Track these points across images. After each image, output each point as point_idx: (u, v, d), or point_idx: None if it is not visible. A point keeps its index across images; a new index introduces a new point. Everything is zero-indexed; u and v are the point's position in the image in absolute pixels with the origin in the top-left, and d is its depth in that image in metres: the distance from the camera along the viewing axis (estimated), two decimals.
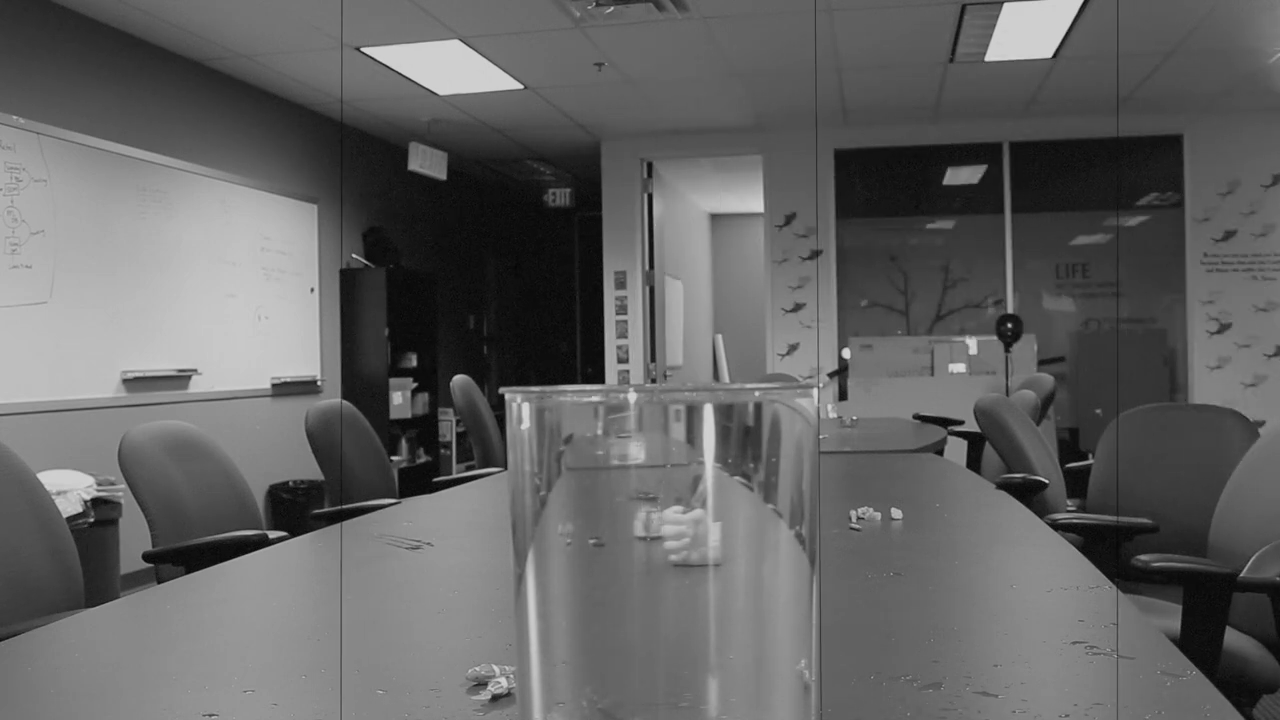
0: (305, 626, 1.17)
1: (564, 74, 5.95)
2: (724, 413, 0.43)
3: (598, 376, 8.88)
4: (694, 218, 10.83)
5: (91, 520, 3.91)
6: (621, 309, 7.84)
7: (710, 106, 6.83)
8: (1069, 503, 3.05)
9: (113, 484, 4.04)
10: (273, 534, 2.08)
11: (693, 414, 0.43)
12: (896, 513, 1.73)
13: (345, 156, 7.20)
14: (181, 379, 5.36)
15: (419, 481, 6.85)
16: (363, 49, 5.41)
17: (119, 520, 4.09)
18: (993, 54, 5.64)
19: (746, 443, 0.44)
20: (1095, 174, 7.26)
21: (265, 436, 5.97)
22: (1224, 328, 7.07)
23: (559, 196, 8.73)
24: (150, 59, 5.25)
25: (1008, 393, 5.70)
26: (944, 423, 4.82)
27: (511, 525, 0.47)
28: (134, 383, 5.01)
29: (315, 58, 5.59)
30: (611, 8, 4.76)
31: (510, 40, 5.29)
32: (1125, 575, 1.94)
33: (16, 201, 4.33)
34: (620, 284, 7.83)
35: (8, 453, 1.80)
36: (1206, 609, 1.72)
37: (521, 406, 0.46)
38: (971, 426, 3.55)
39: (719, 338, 11.18)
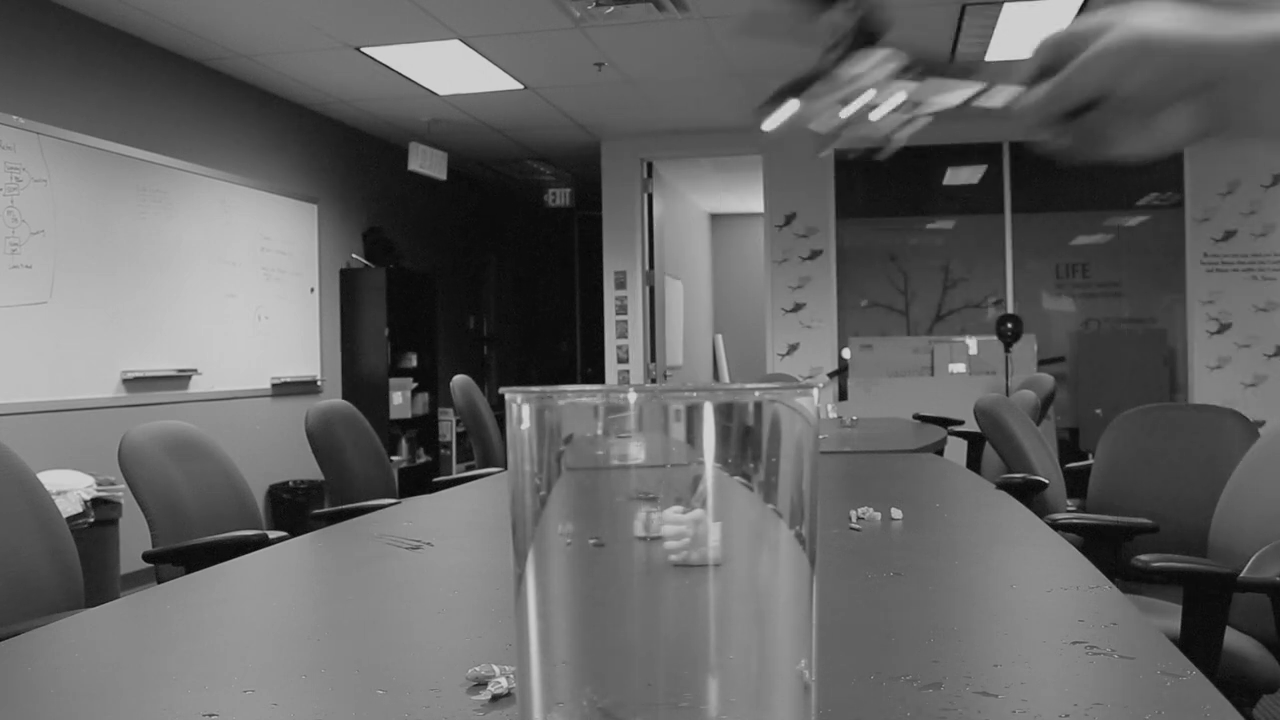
0: (305, 626, 1.17)
1: (564, 74, 5.95)
2: (724, 413, 0.43)
3: (598, 376, 8.88)
4: (694, 218, 10.82)
5: (91, 520, 3.91)
6: (621, 309, 7.84)
7: (710, 106, 6.83)
8: (1069, 503, 3.05)
9: (113, 484, 4.04)
10: (273, 534, 2.08)
11: (693, 414, 0.43)
12: (896, 513, 1.73)
13: (345, 157, 7.21)
14: (181, 379, 5.36)
15: (419, 481, 6.85)
16: (363, 49, 5.41)
17: (119, 520, 4.09)
18: (993, 54, 5.64)
19: (746, 443, 0.44)
20: (1095, 174, 7.26)
21: (265, 436, 5.97)
22: (1224, 328, 7.07)
23: (559, 196, 8.73)
24: (150, 59, 5.25)
25: (1008, 393, 5.70)
26: (944, 423, 4.82)
27: (511, 525, 0.47)
28: (134, 383, 5.01)
29: (315, 58, 5.59)
30: (611, 8, 4.76)
31: (510, 40, 5.29)
32: (1125, 575, 1.94)
33: (16, 201, 4.33)
34: (620, 284, 7.83)
35: (8, 453, 1.80)
36: (1206, 609, 1.72)
37: (521, 407, 0.46)
38: (971, 426, 3.55)
39: (719, 338, 11.18)
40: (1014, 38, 5.35)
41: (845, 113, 0.67)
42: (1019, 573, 1.40)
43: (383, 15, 4.88)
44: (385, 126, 7.22)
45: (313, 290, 6.68)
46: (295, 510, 6.01)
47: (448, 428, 8.03)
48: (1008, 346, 6.58)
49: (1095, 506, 2.79)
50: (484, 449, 4.51)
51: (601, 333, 7.94)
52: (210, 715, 0.81)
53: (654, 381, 7.87)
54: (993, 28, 5.18)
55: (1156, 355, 7.07)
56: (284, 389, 6.27)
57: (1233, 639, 1.82)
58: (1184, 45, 0.61)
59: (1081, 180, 7.30)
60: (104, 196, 4.83)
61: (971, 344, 7.13)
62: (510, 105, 6.61)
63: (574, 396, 0.45)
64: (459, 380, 4.52)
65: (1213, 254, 7.10)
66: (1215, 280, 7.08)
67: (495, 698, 0.83)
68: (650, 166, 7.96)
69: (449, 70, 5.79)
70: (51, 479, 3.71)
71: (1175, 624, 1.77)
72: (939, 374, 7.11)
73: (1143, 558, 1.79)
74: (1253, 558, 1.72)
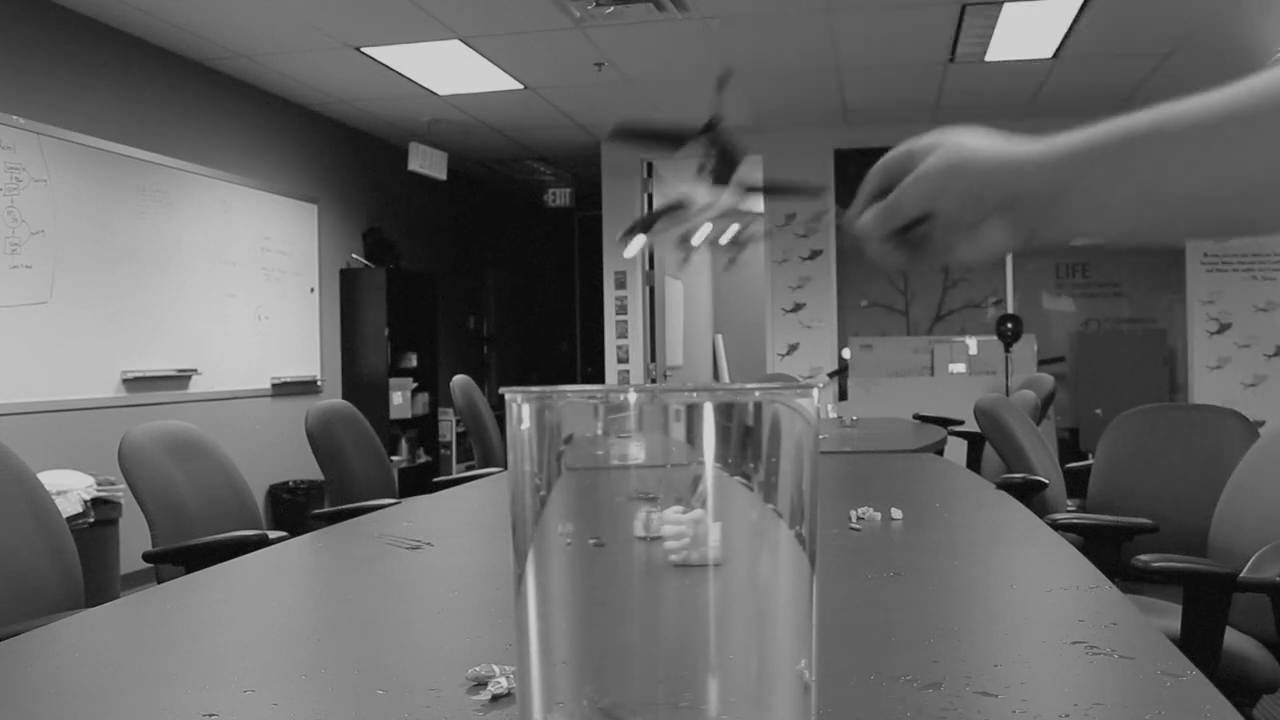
0: (305, 626, 1.17)
1: (564, 74, 5.95)
2: (724, 413, 0.43)
3: (598, 376, 8.88)
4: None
5: (91, 520, 3.91)
6: (621, 309, 7.84)
7: (710, 106, 6.82)
8: (1069, 503, 3.05)
9: (113, 484, 4.04)
10: (273, 534, 2.08)
11: (693, 414, 0.43)
12: (896, 513, 1.73)
13: (345, 157, 7.20)
14: (181, 379, 5.36)
15: (419, 481, 6.85)
16: (363, 49, 5.41)
17: (119, 520, 4.09)
18: (993, 54, 5.64)
19: (746, 443, 0.44)
20: None
21: (265, 436, 5.97)
22: (1224, 328, 7.07)
23: (559, 196, 8.73)
24: (150, 59, 5.25)
25: (1008, 393, 5.70)
26: (944, 423, 4.82)
27: (511, 525, 0.47)
28: (134, 383, 5.01)
29: (315, 58, 5.59)
30: (611, 8, 4.76)
31: (510, 40, 5.29)
32: (1125, 575, 1.93)
33: (16, 201, 4.33)
34: (620, 284, 7.83)
35: (8, 453, 1.80)
36: (1206, 609, 1.72)
37: (521, 406, 0.46)
38: (971, 426, 3.55)
39: (719, 338, 11.18)
40: (1014, 38, 5.35)
41: (696, 239, 0.73)
42: (1019, 573, 1.40)
43: (383, 15, 4.88)
44: (385, 126, 7.22)
45: (313, 290, 6.68)
46: (295, 510, 6.01)
47: (448, 428, 8.03)
48: (1008, 346, 6.58)
49: (1095, 506, 2.79)
50: (484, 449, 4.51)
51: (601, 333, 7.94)
52: (210, 715, 0.81)
53: (654, 381, 7.87)
54: (993, 28, 5.18)
55: (1156, 355, 7.07)
56: (284, 389, 6.27)
57: (1233, 639, 1.81)
58: (990, 166, 0.68)
59: None
60: (104, 196, 4.83)
61: (971, 344, 7.13)
62: (510, 105, 6.60)
63: (574, 396, 0.45)
64: (459, 380, 4.52)
65: (1213, 254, 7.10)
66: (1215, 280, 7.08)
67: (495, 698, 0.83)
68: (650, 166, 7.96)
69: (449, 70, 5.79)
70: (51, 479, 3.71)
71: (1175, 624, 1.76)
72: (939, 374, 7.11)
73: (1143, 558, 1.79)
74: (1253, 558, 1.72)
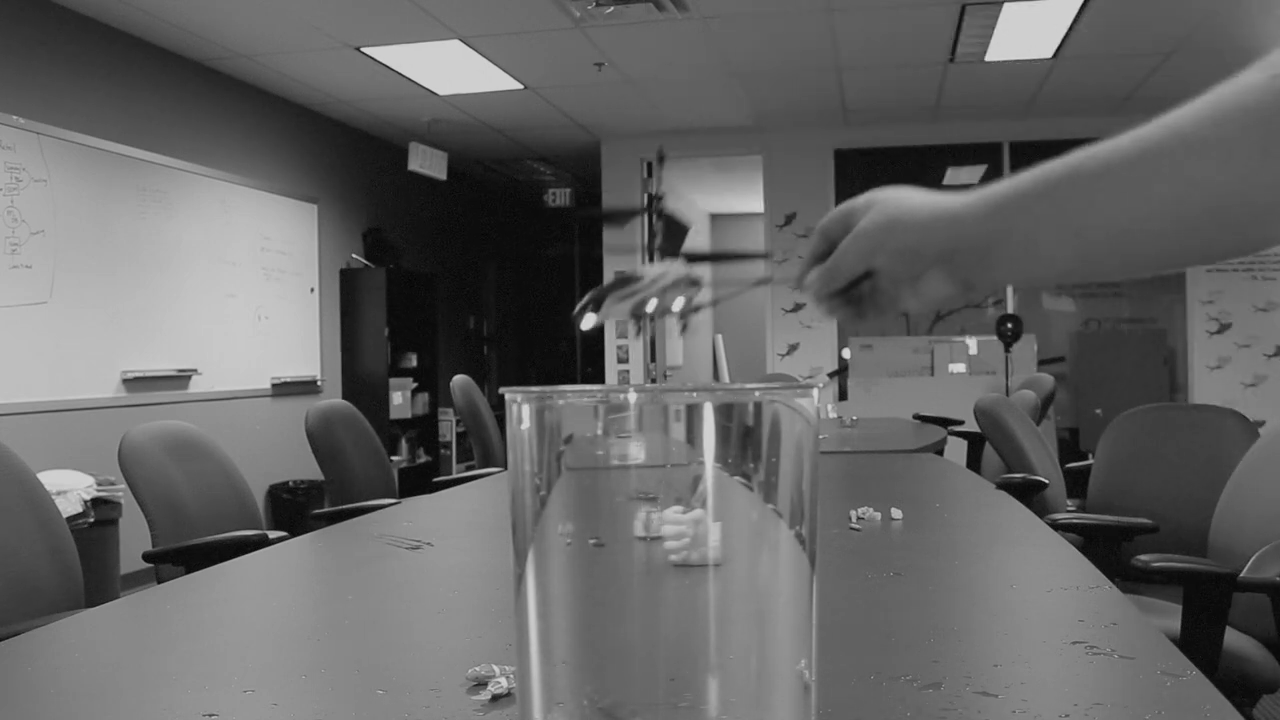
0: (305, 626, 1.17)
1: (564, 74, 5.95)
2: (724, 413, 0.43)
3: (598, 376, 8.88)
4: (694, 218, 10.82)
5: (91, 520, 3.91)
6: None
7: (710, 106, 6.83)
8: (1069, 503, 3.05)
9: (113, 484, 4.04)
10: (273, 534, 2.08)
11: (693, 414, 0.43)
12: (896, 513, 1.73)
13: (345, 157, 7.20)
14: (181, 379, 5.36)
15: (419, 481, 6.85)
16: (363, 49, 5.41)
17: (119, 520, 4.09)
18: (993, 54, 5.64)
19: (746, 443, 0.44)
20: None
21: (265, 436, 5.96)
22: (1224, 328, 7.07)
23: (559, 196, 8.72)
24: (150, 59, 5.25)
25: (1008, 393, 5.70)
26: (944, 423, 4.82)
27: (511, 525, 0.47)
28: (134, 383, 5.01)
29: (315, 58, 5.59)
30: (611, 8, 4.76)
31: (510, 40, 5.29)
32: (1125, 575, 1.93)
33: (16, 201, 4.33)
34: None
35: (8, 453, 1.80)
36: (1206, 609, 1.72)
37: (521, 407, 0.46)
38: (971, 426, 3.55)
39: (719, 338, 11.18)
40: (1014, 38, 5.35)
41: (649, 308, 0.76)
42: (1019, 573, 1.40)
43: (383, 15, 4.88)
44: (385, 126, 7.22)
45: (313, 290, 6.68)
46: (295, 510, 6.01)
47: (448, 428, 8.03)
48: (1008, 346, 6.58)
49: (1095, 506, 2.79)
50: (484, 449, 4.51)
51: (601, 333, 7.94)
52: (210, 715, 0.81)
53: (654, 381, 7.87)
54: (993, 28, 5.18)
55: (1156, 355, 7.07)
56: (284, 389, 6.27)
57: (1233, 639, 1.81)
58: (924, 221, 0.71)
59: None
60: (104, 196, 4.83)
61: (971, 344, 7.13)
62: (510, 105, 6.60)
63: (574, 396, 0.45)
64: (459, 380, 4.52)
65: None
66: (1215, 280, 7.08)
67: (495, 698, 0.83)
68: (650, 166, 7.96)
69: (449, 70, 5.79)
70: (51, 479, 3.71)
71: (1175, 624, 1.76)
72: (939, 374, 7.11)
73: (1143, 558, 1.79)
74: (1253, 558, 1.72)
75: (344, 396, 6.77)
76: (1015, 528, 1.70)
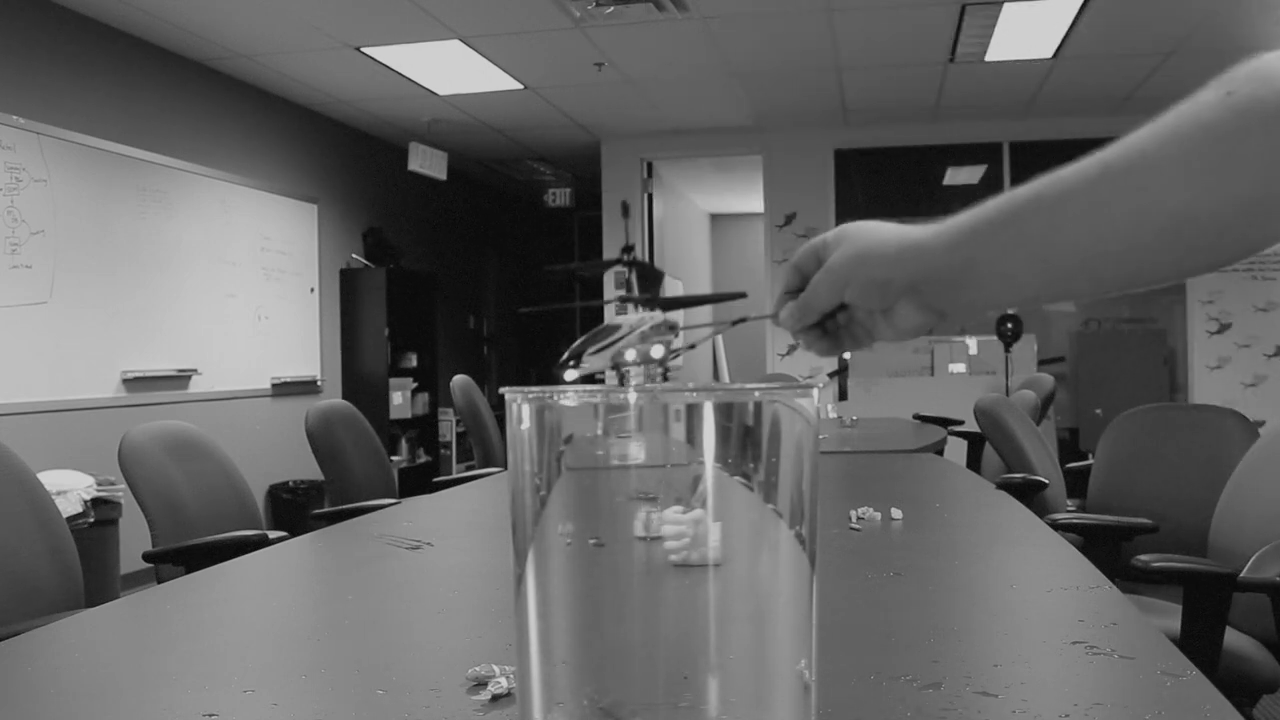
0: (305, 626, 1.17)
1: (564, 74, 5.95)
2: (724, 413, 0.43)
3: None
4: (694, 218, 10.82)
5: (91, 520, 3.91)
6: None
7: (710, 106, 6.83)
8: (1069, 503, 3.05)
9: (113, 484, 4.04)
10: (273, 534, 2.08)
11: (693, 414, 0.43)
12: (896, 513, 1.73)
13: (345, 157, 7.20)
14: (181, 379, 5.36)
15: (419, 481, 6.85)
16: (363, 49, 5.41)
17: (119, 520, 4.09)
18: (993, 54, 5.64)
19: (746, 443, 0.44)
20: None
21: (265, 436, 5.96)
22: (1224, 328, 7.07)
23: (559, 196, 8.72)
24: (150, 59, 5.25)
25: (1008, 393, 5.70)
26: (944, 423, 4.82)
27: (511, 525, 0.47)
28: (134, 383, 5.01)
29: (315, 58, 5.59)
30: (611, 8, 4.76)
31: (510, 40, 5.29)
32: (1125, 575, 1.93)
33: (16, 201, 4.33)
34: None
35: (8, 453, 1.80)
36: (1206, 609, 1.72)
37: (521, 407, 0.46)
38: (971, 426, 3.55)
39: (719, 338, 11.17)
40: (1014, 38, 5.35)
41: (629, 356, 0.78)
42: (1019, 573, 1.40)
43: (383, 15, 4.88)
44: (385, 126, 7.22)
45: (313, 290, 6.68)
46: (295, 510, 6.01)
47: (448, 428, 8.03)
48: (1008, 346, 6.58)
49: (1095, 506, 2.79)
50: (484, 449, 4.51)
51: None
52: (210, 715, 0.81)
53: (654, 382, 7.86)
54: (993, 28, 5.18)
55: (1156, 355, 7.07)
56: (284, 389, 6.27)
57: (1233, 639, 1.81)
58: (893, 253, 0.72)
59: None
60: (104, 196, 4.83)
61: (971, 344, 7.13)
62: (510, 105, 6.60)
63: (574, 396, 0.45)
64: (459, 380, 4.52)
65: None
66: (1215, 280, 7.08)
67: (495, 698, 0.83)
68: (650, 166, 7.96)
69: (449, 70, 5.79)
70: (51, 479, 3.71)
71: (1175, 624, 1.76)
72: (939, 374, 7.11)
73: (1143, 558, 1.78)
74: (1253, 558, 1.72)
75: (344, 396, 6.76)
76: (1015, 528, 1.70)
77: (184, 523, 2.27)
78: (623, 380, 0.89)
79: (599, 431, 0.44)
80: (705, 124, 7.35)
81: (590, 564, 0.44)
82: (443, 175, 7.03)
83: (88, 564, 1.99)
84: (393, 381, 7.12)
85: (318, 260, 6.74)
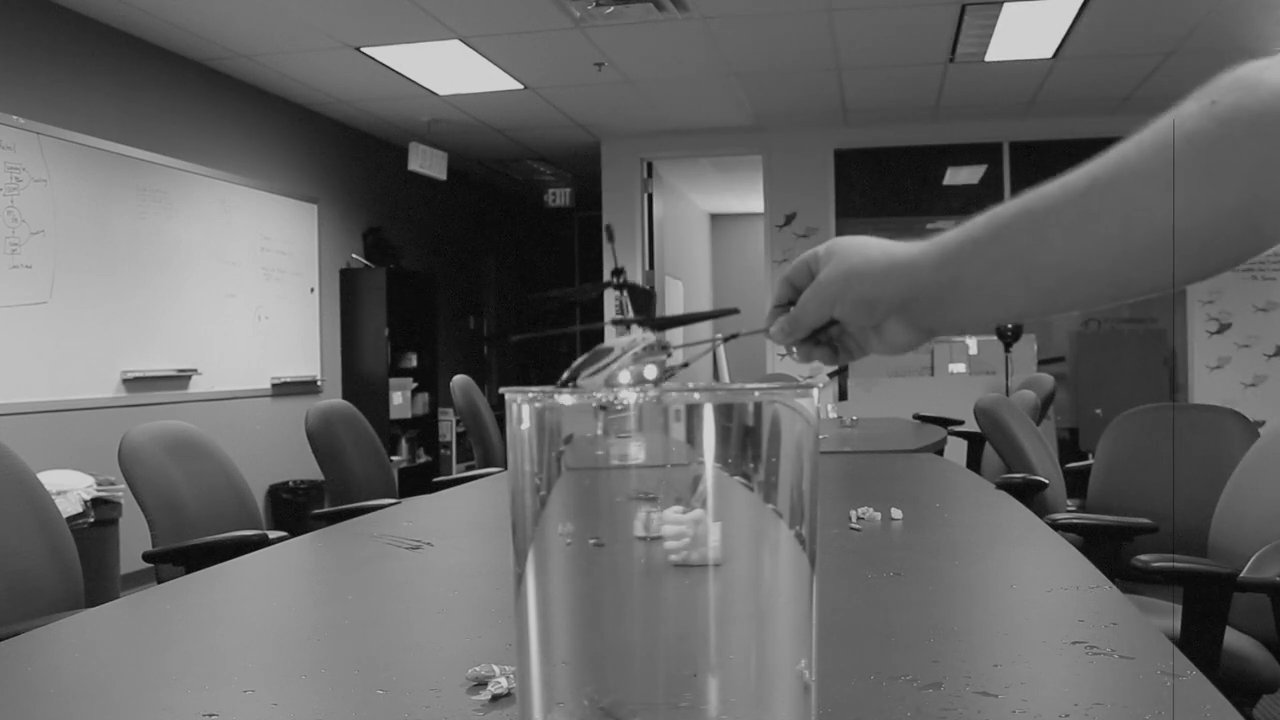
0: (305, 626, 1.17)
1: (564, 74, 5.95)
2: (724, 413, 0.43)
3: None
4: (694, 218, 10.82)
5: (91, 520, 3.91)
6: (621, 309, 7.84)
7: (710, 106, 6.83)
8: (1069, 503, 3.05)
9: (113, 484, 4.04)
10: (273, 534, 2.08)
11: (693, 414, 0.43)
12: (896, 513, 1.73)
13: (345, 157, 7.20)
14: (181, 379, 5.36)
15: (419, 481, 6.85)
16: (363, 49, 5.41)
17: (119, 520, 4.09)
18: (993, 54, 5.64)
19: (746, 443, 0.44)
20: None
21: (265, 436, 5.96)
22: (1224, 328, 7.07)
23: (559, 196, 8.72)
24: (150, 59, 5.25)
25: (1008, 393, 5.70)
26: (944, 423, 4.82)
27: (511, 525, 0.47)
28: (134, 383, 5.01)
29: (315, 58, 5.59)
30: (611, 8, 4.76)
31: (510, 40, 5.29)
32: (1125, 575, 1.93)
33: (16, 201, 4.33)
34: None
35: (8, 453, 1.80)
36: (1206, 609, 1.72)
37: (521, 407, 0.46)
38: (971, 426, 3.55)
39: (719, 337, 11.17)
40: (1014, 38, 5.35)
41: (623, 378, 0.79)
42: (1019, 573, 1.40)
43: (383, 15, 4.88)
44: (385, 126, 7.22)
45: (313, 290, 6.68)
46: (295, 510, 6.01)
47: (448, 428, 8.03)
48: (1008, 346, 6.58)
49: (1095, 506, 2.79)
50: (484, 449, 4.51)
51: (601, 333, 7.94)
52: (210, 715, 0.81)
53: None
54: (993, 28, 5.18)
55: (1156, 355, 7.07)
56: (284, 389, 6.27)
57: (1233, 639, 1.81)
58: (881, 271, 0.73)
59: None
60: (104, 196, 4.83)
61: (971, 344, 7.13)
62: (510, 105, 6.60)
63: (574, 397, 0.45)
64: (459, 380, 4.52)
65: None
66: (1215, 280, 7.05)
67: (495, 698, 0.83)
68: (650, 166, 7.96)
69: (449, 70, 5.79)
70: (51, 479, 3.71)
71: (1175, 624, 1.76)
72: (939, 374, 7.11)
73: (1143, 558, 1.78)
74: (1253, 558, 1.72)
75: (344, 396, 6.76)
76: (1015, 528, 1.70)
77: (184, 523, 2.27)
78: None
79: (599, 431, 0.44)
80: (705, 124, 7.35)
81: (590, 564, 0.44)
82: (443, 175, 7.03)
83: (88, 564, 1.99)
84: (393, 381, 7.12)
85: (318, 260, 6.74)
